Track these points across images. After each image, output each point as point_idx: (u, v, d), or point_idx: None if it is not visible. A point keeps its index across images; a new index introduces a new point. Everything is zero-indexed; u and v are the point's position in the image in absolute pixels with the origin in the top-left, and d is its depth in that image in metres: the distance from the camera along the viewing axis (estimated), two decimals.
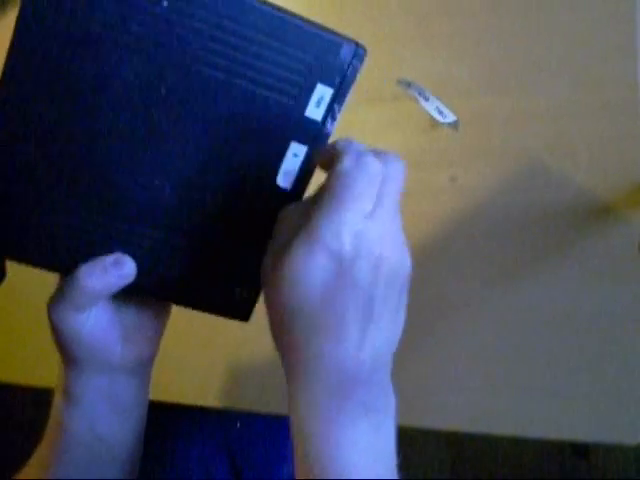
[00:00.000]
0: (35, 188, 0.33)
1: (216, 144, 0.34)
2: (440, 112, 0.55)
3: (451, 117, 0.55)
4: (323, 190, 0.31)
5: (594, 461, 1.22)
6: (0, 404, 1.49)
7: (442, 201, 0.55)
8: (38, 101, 0.31)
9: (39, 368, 0.63)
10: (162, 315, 0.41)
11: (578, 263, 0.51)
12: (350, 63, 0.34)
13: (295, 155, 0.35)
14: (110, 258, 0.35)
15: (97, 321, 0.37)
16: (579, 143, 0.52)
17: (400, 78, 0.56)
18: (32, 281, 0.47)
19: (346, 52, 0.33)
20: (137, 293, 0.37)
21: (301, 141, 0.35)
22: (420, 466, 1.30)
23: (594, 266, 0.51)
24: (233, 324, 0.39)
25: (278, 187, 0.36)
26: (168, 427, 0.65)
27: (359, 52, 0.34)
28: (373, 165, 0.31)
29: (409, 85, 0.56)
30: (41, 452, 0.41)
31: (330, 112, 0.35)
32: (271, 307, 0.33)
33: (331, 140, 0.35)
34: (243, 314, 0.39)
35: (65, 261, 0.35)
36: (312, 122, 0.35)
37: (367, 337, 0.31)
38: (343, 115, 0.35)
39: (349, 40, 0.33)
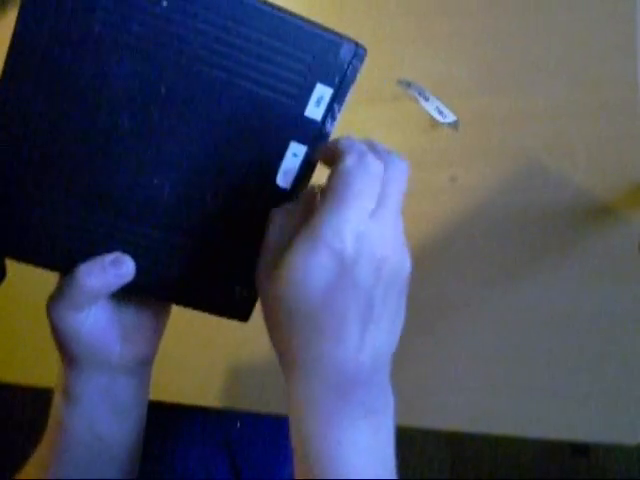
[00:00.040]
0: (35, 188, 0.33)
1: (216, 144, 0.34)
2: (440, 112, 0.55)
3: (451, 117, 0.55)
4: (325, 189, 0.31)
5: (594, 461, 1.22)
6: (0, 404, 1.49)
7: (442, 201, 0.55)
8: (38, 101, 0.31)
9: (39, 368, 0.63)
10: (162, 315, 0.41)
11: (578, 263, 0.51)
12: (350, 63, 0.34)
13: (295, 155, 0.35)
14: (109, 257, 0.35)
15: (96, 320, 0.37)
16: (578, 143, 0.52)
17: (400, 78, 0.57)
18: (32, 281, 0.47)
19: (346, 52, 0.33)
20: (136, 293, 0.37)
21: (301, 141, 0.35)
22: (420, 466, 1.30)
23: (594, 266, 0.51)
24: (233, 324, 0.39)
25: (278, 187, 0.36)
26: (168, 427, 0.65)
27: (359, 52, 0.34)
28: (375, 164, 0.31)
29: (409, 85, 0.56)
30: (41, 452, 0.41)
31: (330, 112, 0.35)
32: (269, 307, 0.33)
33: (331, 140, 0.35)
34: (243, 314, 0.39)
35: (64, 260, 0.35)
36: (312, 122, 0.35)
37: (367, 338, 0.31)
38: (343, 115, 0.35)
39: (349, 40, 0.33)
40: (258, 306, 0.38)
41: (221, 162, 0.35)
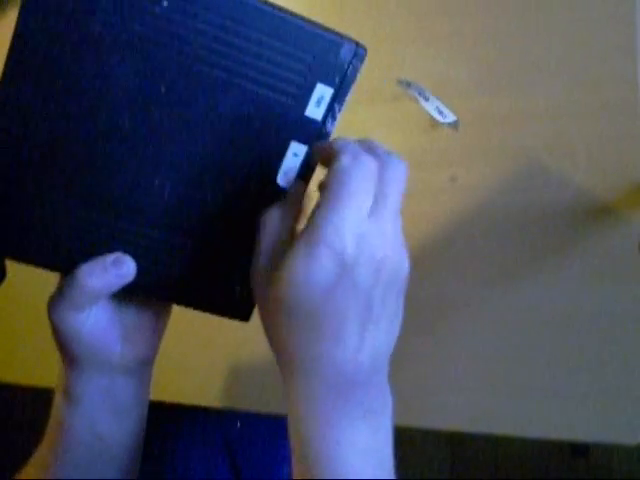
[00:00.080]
0: (35, 188, 0.33)
1: (216, 144, 0.34)
2: (440, 112, 0.55)
3: (451, 117, 0.55)
4: (322, 189, 0.31)
5: (594, 461, 1.22)
6: (0, 404, 1.49)
7: (442, 201, 0.55)
8: (38, 101, 0.31)
9: (39, 368, 0.63)
10: (162, 315, 0.41)
11: (578, 263, 0.51)
12: (350, 63, 0.34)
13: (295, 155, 0.35)
14: (110, 257, 0.35)
15: (97, 320, 0.37)
16: (578, 143, 0.52)
17: (400, 78, 0.57)
18: (32, 281, 0.47)
19: (346, 52, 0.33)
20: (137, 293, 0.37)
21: (301, 140, 0.35)
22: (420, 466, 1.30)
23: (594, 266, 0.51)
24: (233, 324, 0.39)
25: (278, 186, 0.36)
26: (168, 427, 0.65)
27: (359, 52, 0.34)
28: (369, 162, 0.31)
29: (409, 85, 0.56)
30: (41, 452, 0.41)
31: (330, 112, 0.35)
32: (267, 307, 0.33)
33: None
34: (244, 314, 0.39)
35: (65, 261, 0.35)
36: (312, 122, 0.35)
37: (366, 338, 0.31)
38: (343, 115, 0.35)
39: (349, 40, 0.33)
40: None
41: (222, 162, 0.35)
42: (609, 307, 0.50)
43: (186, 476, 0.63)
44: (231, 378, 0.59)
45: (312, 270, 0.30)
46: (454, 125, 0.55)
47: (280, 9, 0.32)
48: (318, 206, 0.31)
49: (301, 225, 0.33)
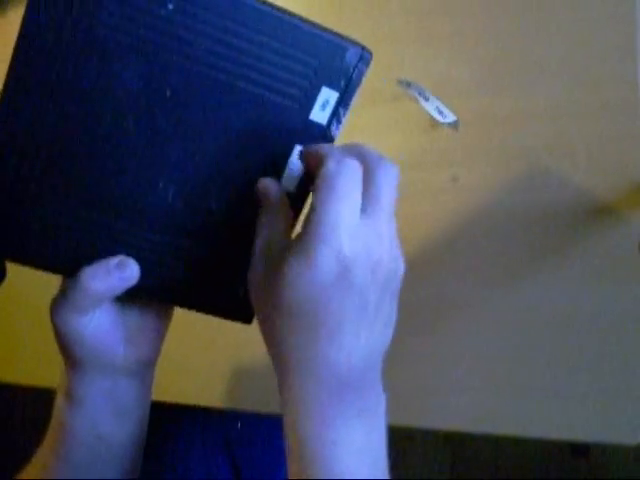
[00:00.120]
0: (39, 190, 0.33)
1: (220, 147, 0.34)
2: (440, 112, 0.55)
3: (451, 117, 0.55)
4: (313, 193, 0.32)
5: (594, 461, 1.22)
6: (1, 404, 1.49)
7: (443, 201, 0.55)
8: (42, 105, 0.31)
9: (39, 368, 0.63)
10: (165, 317, 0.41)
11: (578, 263, 0.51)
12: (356, 67, 0.34)
13: (300, 158, 0.35)
14: (114, 260, 0.35)
15: (100, 323, 0.37)
16: (578, 143, 0.52)
17: (400, 78, 0.57)
18: (32, 281, 0.47)
19: (352, 56, 0.33)
20: (140, 295, 0.37)
21: (306, 144, 0.35)
22: (420, 466, 1.30)
23: (594, 266, 0.51)
24: (234, 325, 0.39)
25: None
26: (169, 427, 0.65)
27: (365, 56, 0.34)
28: (352, 164, 0.31)
29: (409, 85, 0.56)
30: (43, 452, 0.41)
31: (335, 116, 0.35)
32: (265, 310, 0.33)
33: (336, 143, 0.35)
34: (246, 316, 0.39)
35: (68, 263, 0.35)
36: (317, 125, 0.35)
37: (361, 339, 0.32)
38: None
39: (355, 43, 0.33)
40: None
41: (226, 165, 0.35)
42: (609, 307, 0.50)
43: (186, 476, 0.63)
44: (232, 379, 0.59)
45: (311, 269, 0.30)
46: (454, 125, 0.55)
47: (286, 12, 0.32)
48: (311, 209, 0.31)
49: (298, 227, 0.33)
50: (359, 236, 0.31)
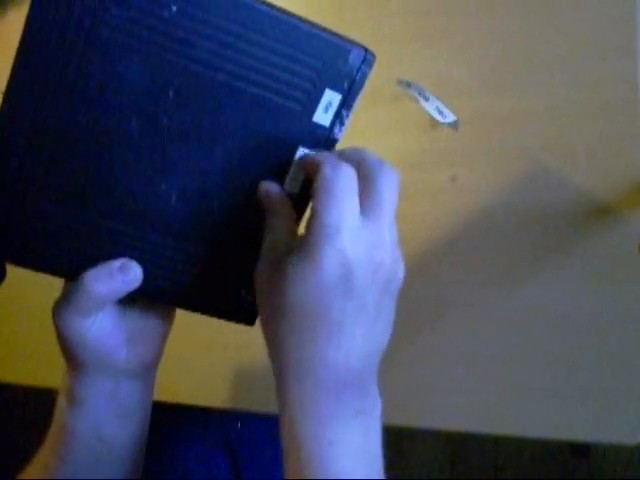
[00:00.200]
0: (40, 193, 0.33)
1: (224, 149, 0.34)
2: (440, 112, 0.55)
3: (451, 117, 0.55)
4: (312, 198, 0.32)
5: (594, 461, 1.22)
6: (1, 404, 1.49)
7: (442, 201, 0.55)
8: (45, 106, 0.31)
9: (40, 368, 0.63)
10: (167, 319, 0.41)
11: (578, 263, 0.51)
12: (359, 69, 0.34)
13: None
14: (117, 263, 0.35)
15: (102, 326, 0.37)
16: (578, 143, 0.52)
17: (400, 78, 0.57)
18: (33, 281, 0.47)
19: (355, 58, 0.33)
20: (143, 298, 0.37)
21: (309, 146, 0.35)
22: (420, 466, 1.30)
23: (594, 266, 0.51)
24: (234, 325, 0.39)
25: (286, 191, 0.36)
26: (169, 427, 0.65)
27: (368, 58, 0.34)
28: (347, 168, 0.32)
29: (409, 85, 0.56)
30: (44, 453, 0.41)
31: (338, 118, 0.35)
32: (269, 310, 0.34)
33: (339, 146, 0.36)
34: (249, 318, 0.39)
35: (71, 266, 0.35)
36: (320, 127, 0.35)
37: (359, 340, 0.32)
38: None
39: (358, 46, 0.33)
40: None
41: (229, 166, 0.35)
42: (609, 307, 0.50)
43: (186, 476, 0.63)
44: (232, 379, 0.59)
45: (315, 270, 0.31)
46: (454, 125, 0.55)
47: (289, 14, 0.32)
48: (312, 214, 0.32)
49: (301, 229, 0.34)
50: (361, 238, 0.31)
